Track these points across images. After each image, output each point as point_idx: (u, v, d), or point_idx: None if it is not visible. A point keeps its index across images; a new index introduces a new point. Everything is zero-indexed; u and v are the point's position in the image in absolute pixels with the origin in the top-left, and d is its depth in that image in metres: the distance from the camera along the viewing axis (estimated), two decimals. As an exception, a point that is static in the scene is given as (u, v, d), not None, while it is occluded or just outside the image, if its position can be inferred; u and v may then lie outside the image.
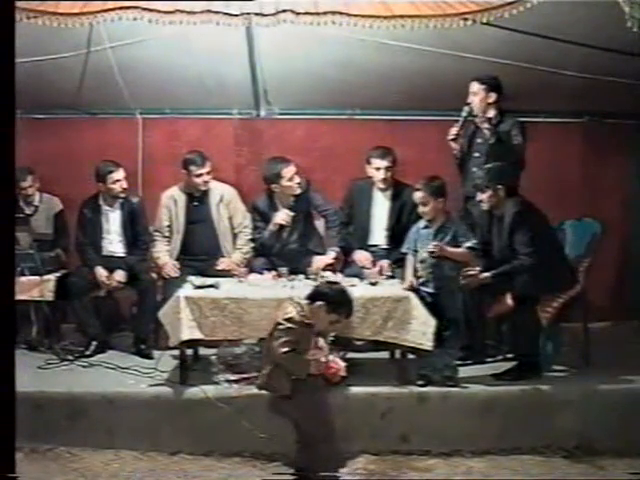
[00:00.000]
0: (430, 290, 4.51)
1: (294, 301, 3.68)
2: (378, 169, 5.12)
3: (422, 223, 4.66)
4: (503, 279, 4.41)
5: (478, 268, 4.44)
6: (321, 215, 5.34)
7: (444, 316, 4.36)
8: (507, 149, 4.73)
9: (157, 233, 5.34)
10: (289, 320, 3.57)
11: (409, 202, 4.97)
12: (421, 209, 4.61)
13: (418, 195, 4.59)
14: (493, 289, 4.46)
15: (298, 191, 5.17)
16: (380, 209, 5.21)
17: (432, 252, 4.46)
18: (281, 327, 3.57)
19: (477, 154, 4.85)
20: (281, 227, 5.18)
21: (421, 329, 4.20)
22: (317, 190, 5.31)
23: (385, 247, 5.16)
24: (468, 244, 4.48)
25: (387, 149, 5.15)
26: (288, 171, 5.09)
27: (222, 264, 5.19)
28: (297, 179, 5.13)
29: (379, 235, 5.22)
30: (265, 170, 5.19)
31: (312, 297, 3.65)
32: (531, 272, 4.34)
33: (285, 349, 3.54)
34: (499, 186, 4.44)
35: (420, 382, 4.26)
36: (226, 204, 5.34)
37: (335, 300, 3.65)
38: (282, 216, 5.14)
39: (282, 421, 4.05)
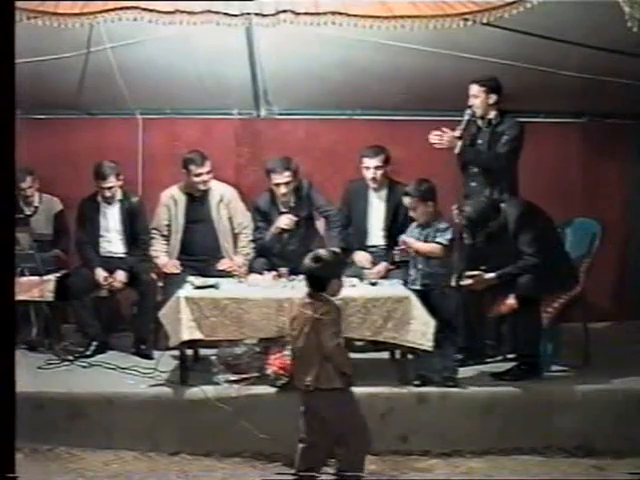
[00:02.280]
0: (417, 287, 4.44)
1: (311, 294, 3.49)
2: (368, 168, 5.13)
3: (415, 224, 4.61)
4: (507, 280, 4.41)
5: (478, 272, 4.44)
6: (323, 216, 5.33)
7: (437, 316, 4.30)
8: (494, 150, 4.73)
9: (155, 231, 5.33)
10: (328, 313, 3.42)
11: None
12: (412, 213, 4.56)
13: (407, 200, 4.54)
14: (495, 289, 4.46)
15: (284, 190, 5.11)
16: (376, 209, 5.21)
17: (400, 248, 4.47)
18: (323, 321, 3.40)
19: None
20: (283, 230, 5.17)
21: (421, 329, 4.20)
22: (318, 191, 5.30)
23: (384, 247, 5.15)
24: (438, 239, 4.41)
25: (379, 148, 5.14)
26: (278, 178, 5.06)
27: (223, 264, 5.19)
28: (289, 185, 5.10)
29: (377, 235, 5.22)
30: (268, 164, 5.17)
31: (321, 280, 3.45)
32: (535, 272, 4.34)
33: (336, 341, 3.42)
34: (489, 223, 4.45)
35: (417, 382, 4.26)
36: (226, 204, 5.34)
37: (340, 267, 3.58)
38: (285, 221, 5.12)
39: (282, 421, 4.07)
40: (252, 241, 5.29)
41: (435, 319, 4.24)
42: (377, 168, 5.11)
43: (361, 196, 5.24)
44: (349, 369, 3.48)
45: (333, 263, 3.53)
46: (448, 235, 4.42)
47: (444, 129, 4.72)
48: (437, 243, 4.42)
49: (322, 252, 3.58)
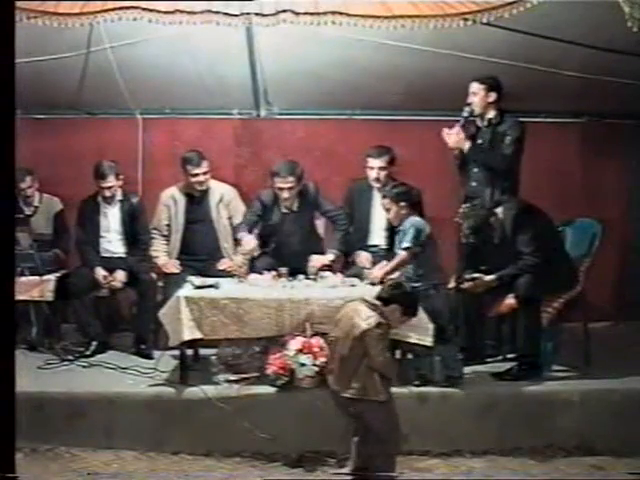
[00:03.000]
0: None
1: (369, 303, 3.61)
2: (372, 168, 5.12)
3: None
4: (507, 280, 4.41)
5: (478, 274, 4.43)
6: (330, 219, 5.24)
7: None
8: (502, 148, 4.73)
9: (155, 231, 5.33)
10: (379, 326, 3.52)
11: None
12: (386, 215, 4.60)
13: (382, 202, 4.58)
14: (495, 289, 4.46)
15: (286, 194, 5.04)
16: (379, 209, 5.20)
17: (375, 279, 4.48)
18: (373, 334, 3.50)
19: (478, 154, 4.84)
20: (277, 227, 5.12)
21: (422, 326, 4.19)
22: (325, 196, 5.23)
23: (385, 247, 5.15)
24: (404, 245, 4.39)
25: (385, 148, 5.13)
26: (281, 179, 4.99)
27: (223, 264, 5.18)
28: (293, 185, 5.01)
29: (379, 235, 5.22)
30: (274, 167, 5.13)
31: (386, 300, 3.63)
32: (535, 272, 4.34)
33: (386, 355, 3.58)
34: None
35: (417, 382, 4.25)
36: (226, 204, 5.33)
37: (408, 303, 3.70)
38: (251, 245, 4.96)
39: (282, 421, 4.06)
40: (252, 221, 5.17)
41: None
42: (381, 169, 5.10)
43: (364, 195, 5.23)
44: (393, 375, 3.67)
45: (407, 294, 3.74)
46: (409, 236, 4.37)
47: (456, 128, 4.74)
48: (402, 249, 4.40)
49: (404, 282, 3.95)
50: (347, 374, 3.54)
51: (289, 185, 5.01)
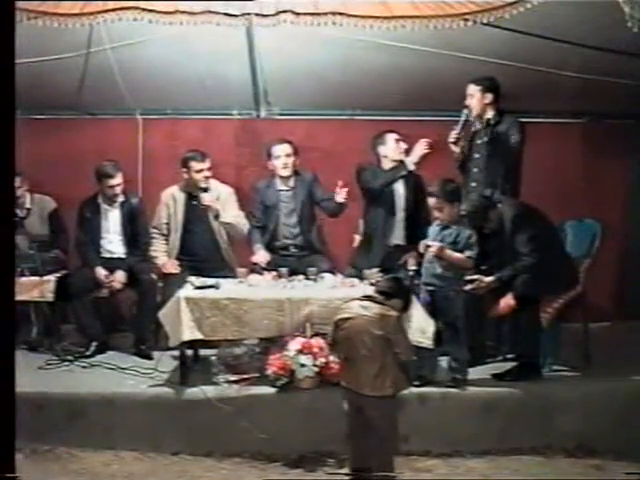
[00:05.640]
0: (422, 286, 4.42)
1: (375, 300, 3.58)
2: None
3: (436, 223, 4.44)
4: (507, 281, 4.41)
5: (478, 275, 4.42)
6: (322, 207, 5.25)
7: (441, 318, 4.30)
8: (503, 149, 4.73)
9: (155, 230, 5.33)
10: (398, 319, 3.55)
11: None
12: (437, 214, 4.36)
13: (432, 201, 4.36)
14: (496, 290, 4.46)
15: (285, 173, 5.13)
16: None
17: (431, 250, 4.35)
18: (397, 329, 3.53)
19: (477, 155, 4.84)
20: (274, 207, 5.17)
21: (421, 327, 4.20)
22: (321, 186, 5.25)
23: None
24: (468, 253, 4.29)
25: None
26: (277, 149, 5.10)
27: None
28: (288, 160, 5.10)
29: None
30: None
31: (389, 294, 3.61)
32: (533, 272, 4.34)
33: (412, 349, 3.70)
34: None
35: (417, 382, 4.25)
36: (222, 204, 5.31)
37: (407, 298, 3.75)
38: (260, 258, 5.04)
39: (282, 421, 4.06)
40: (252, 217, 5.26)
41: (439, 321, 4.25)
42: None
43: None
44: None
45: (406, 289, 3.83)
46: (475, 249, 4.28)
47: (454, 134, 4.76)
48: (468, 257, 4.28)
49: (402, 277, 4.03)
50: (374, 373, 3.46)
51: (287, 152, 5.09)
